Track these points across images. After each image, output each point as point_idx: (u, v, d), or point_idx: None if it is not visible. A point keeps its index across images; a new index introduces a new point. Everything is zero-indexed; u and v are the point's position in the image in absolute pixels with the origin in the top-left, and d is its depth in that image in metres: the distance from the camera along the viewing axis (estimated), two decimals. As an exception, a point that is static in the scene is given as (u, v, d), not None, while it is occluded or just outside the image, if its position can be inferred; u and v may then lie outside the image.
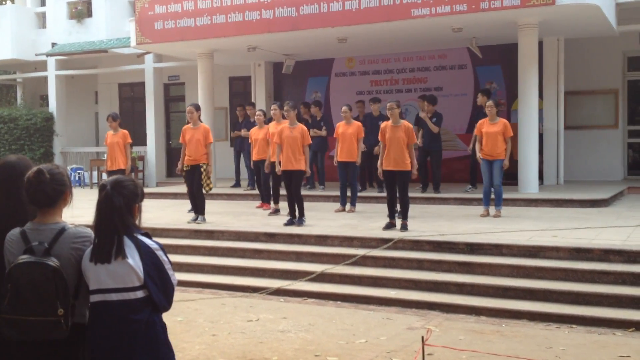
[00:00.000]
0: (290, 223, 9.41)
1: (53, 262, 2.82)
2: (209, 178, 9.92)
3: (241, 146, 14.30)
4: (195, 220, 9.96)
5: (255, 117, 11.59)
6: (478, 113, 12.09)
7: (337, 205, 11.19)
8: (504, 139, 9.69)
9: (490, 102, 9.85)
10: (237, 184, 14.73)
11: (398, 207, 9.05)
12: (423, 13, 11.34)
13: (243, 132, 13.61)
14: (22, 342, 2.89)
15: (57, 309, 2.81)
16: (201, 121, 10.27)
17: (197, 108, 10.19)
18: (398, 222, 8.87)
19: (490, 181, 9.84)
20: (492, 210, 9.92)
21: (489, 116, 9.78)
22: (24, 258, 2.83)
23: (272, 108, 10.75)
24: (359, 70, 15.76)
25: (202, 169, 9.85)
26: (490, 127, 9.69)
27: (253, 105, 14.40)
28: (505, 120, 9.87)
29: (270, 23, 12.56)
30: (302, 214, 9.52)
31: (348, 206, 10.95)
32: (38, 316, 2.81)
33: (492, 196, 9.93)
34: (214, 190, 13.33)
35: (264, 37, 13.05)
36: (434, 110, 12.50)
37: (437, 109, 12.68)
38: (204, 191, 9.97)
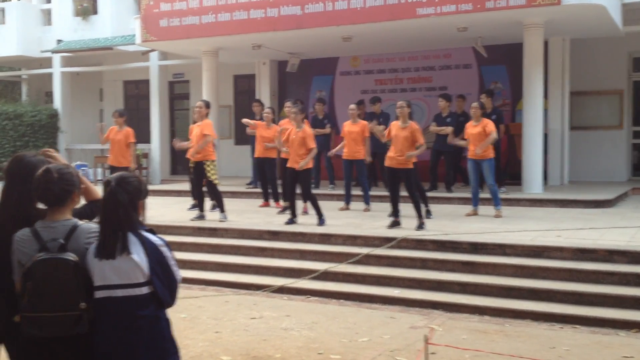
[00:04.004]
0: (290, 222, 9.39)
1: (72, 257, 2.85)
2: (214, 174, 9.90)
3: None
4: (200, 217, 9.96)
5: (264, 115, 11.57)
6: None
7: (342, 203, 11.18)
8: (486, 136, 9.63)
9: (474, 104, 9.87)
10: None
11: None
12: (428, 12, 11.31)
13: (248, 130, 13.46)
14: (42, 339, 2.90)
15: (79, 303, 2.85)
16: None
17: (207, 105, 10.19)
18: (408, 221, 8.86)
19: (477, 181, 9.88)
20: (491, 210, 9.92)
21: (474, 117, 9.80)
22: (42, 255, 2.84)
23: (286, 106, 10.70)
24: (364, 69, 15.75)
25: (205, 165, 9.84)
26: (472, 129, 9.73)
27: (261, 103, 14.08)
28: (486, 120, 9.80)
29: (275, 21, 12.56)
30: (320, 214, 9.33)
31: (362, 205, 10.90)
32: (60, 312, 2.84)
33: (486, 196, 9.96)
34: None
35: (268, 35, 13.05)
36: (450, 110, 12.52)
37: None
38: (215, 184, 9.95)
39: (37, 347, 2.93)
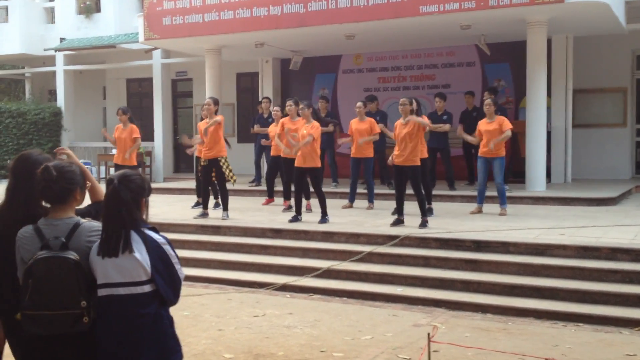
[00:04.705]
0: (294, 220, 9.40)
1: (73, 255, 2.85)
2: (231, 171, 9.91)
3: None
4: (203, 215, 9.98)
5: (273, 113, 11.59)
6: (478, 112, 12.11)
7: (346, 201, 11.16)
8: (502, 133, 9.64)
9: (488, 101, 9.86)
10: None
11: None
12: (431, 10, 11.31)
13: (256, 128, 13.49)
14: (43, 336, 2.90)
15: (80, 301, 2.85)
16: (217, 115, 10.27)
17: (216, 102, 10.20)
18: (411, 219, 8.87)
19: (486, 179, 9.87)
20: (495, 208, 9.93)
21: (487, 115, 9.79)
22: (43, 253, 2.84)
23: (287, 104, 10.70)
24: (367, 67, 15.73)
25: (221, 163, 9.83)
26: (487, 126, 9.71)
27: (270, 100, 14.12)
28: (502, 117, 9.83)
29: (278, 19, 12.56)
30: (325, 212, 9.36)
31: (366, 203, 10.90)
32: (61, 310, 2.84)
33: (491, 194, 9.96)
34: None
35: (271, 33, 13.05)
36: (444, 109, 12.47)
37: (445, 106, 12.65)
38: (230, 185, 9.95)
39: (39, 344, 2.93)
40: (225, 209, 9.93)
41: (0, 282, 3.09)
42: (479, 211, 9.98)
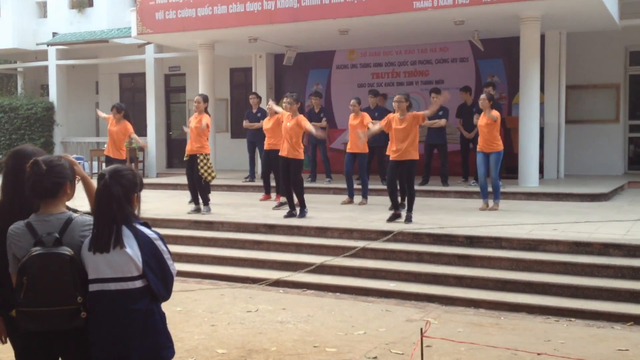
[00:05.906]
0: (290, 215, 9.39)
1: (68, 251, 2.84)
2: (209, 167, 9.93)
3: (255, 137, 13.78)
4: (196, 211, 9.98)
5: (267, 109, 11.58)
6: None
7: (339, 197, 11.14)
8: (497, 127, 9.71)
9: (482, 96, 9.89)
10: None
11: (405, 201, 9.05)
12: (425, 5, 11.30)
13: (245, 124, 13.50)
14: (40, 332, 2.89)
15: (77, 297, 2.84)
16: (207, 112, 10.27)
17: (205, 99, 10.26)
18: (402, 213, 8.89)
19: (485, 173, 9.86)
20: (490, 202, 9.94)
21: (483, 109, 9.82)
22: (37, 250, 2.82)
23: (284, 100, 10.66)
24: (360, 62, 15.71)
25: (198, 160, 9.86)
26: (483, 121, 9.73)
27: (257, 96, 14.13)
28: (495, 112, 9.85)
29: (271, 14, 12.53)
30: (303, 205, 9.43)
31: (359, 199, 10.91)
32: (57, 306, 2.83)
33: (490, 189, 9.95)
34: (214, 182, 13.31)
35: (265, 28, 13.02)
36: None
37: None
38: (208, 180, 9.98)
39: (35, 341, 2.92)
40: (206, 203, 9.98)
41: (0, 278, 3.07)
42: (487, 206, 9.89)
